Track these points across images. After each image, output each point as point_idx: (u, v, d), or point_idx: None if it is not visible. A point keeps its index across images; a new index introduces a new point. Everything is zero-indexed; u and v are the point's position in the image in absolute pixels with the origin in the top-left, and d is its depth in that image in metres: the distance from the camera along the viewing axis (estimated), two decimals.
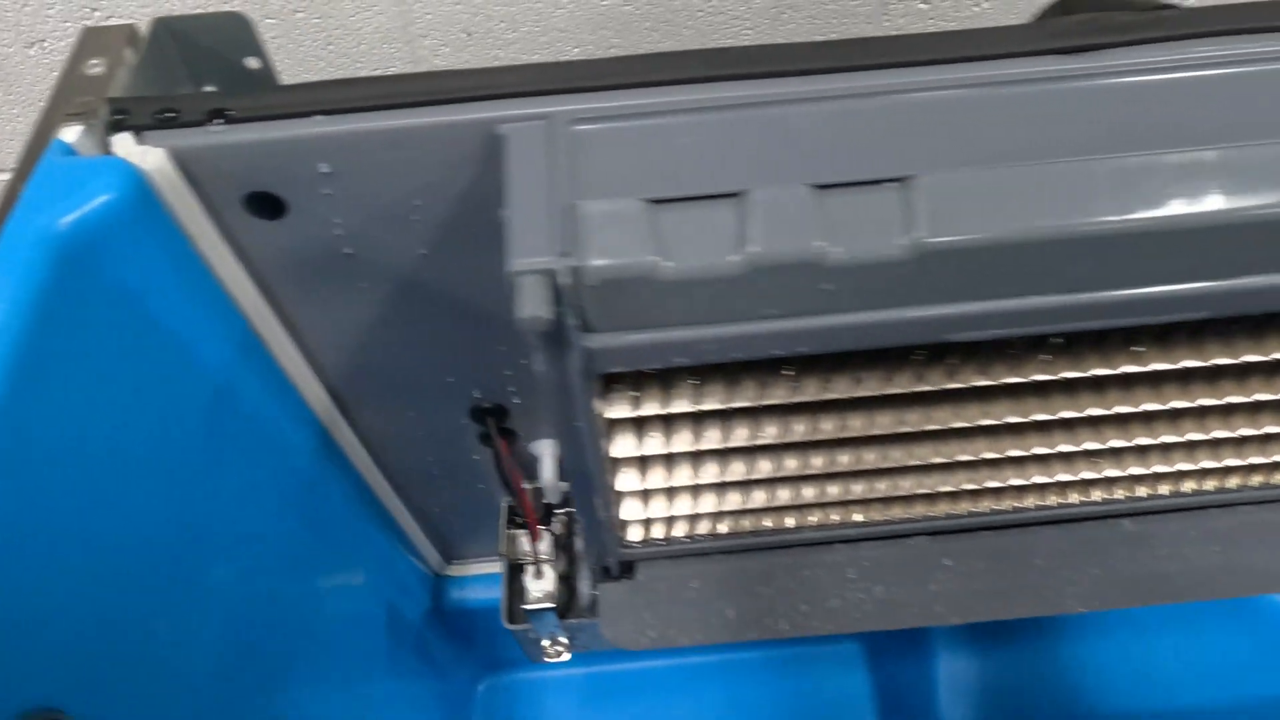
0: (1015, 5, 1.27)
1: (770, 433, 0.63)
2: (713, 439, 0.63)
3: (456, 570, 1.03)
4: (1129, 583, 0.74)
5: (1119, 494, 0.77)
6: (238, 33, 0.52)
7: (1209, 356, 0.58)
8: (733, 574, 0.78)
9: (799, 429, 0.63)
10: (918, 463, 0.68)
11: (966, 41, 0.49)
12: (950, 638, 1.16)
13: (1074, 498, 0.77)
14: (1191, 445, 0.70)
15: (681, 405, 0.59)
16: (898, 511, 0.77)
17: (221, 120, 0.48)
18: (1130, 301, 0.49)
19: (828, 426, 0.63)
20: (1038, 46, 0.48)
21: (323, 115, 0.48)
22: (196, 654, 0.57)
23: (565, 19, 1.23)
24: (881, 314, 0.48)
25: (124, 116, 0.47)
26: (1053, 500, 0.77)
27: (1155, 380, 0.61)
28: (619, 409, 0.57)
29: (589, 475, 0.61)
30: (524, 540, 0.86)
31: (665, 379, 0.58)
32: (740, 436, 0.62)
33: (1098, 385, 0.62)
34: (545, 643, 0.91)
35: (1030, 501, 0.77)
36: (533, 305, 0.41)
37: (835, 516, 0.77)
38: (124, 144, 0.47)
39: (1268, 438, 0.69)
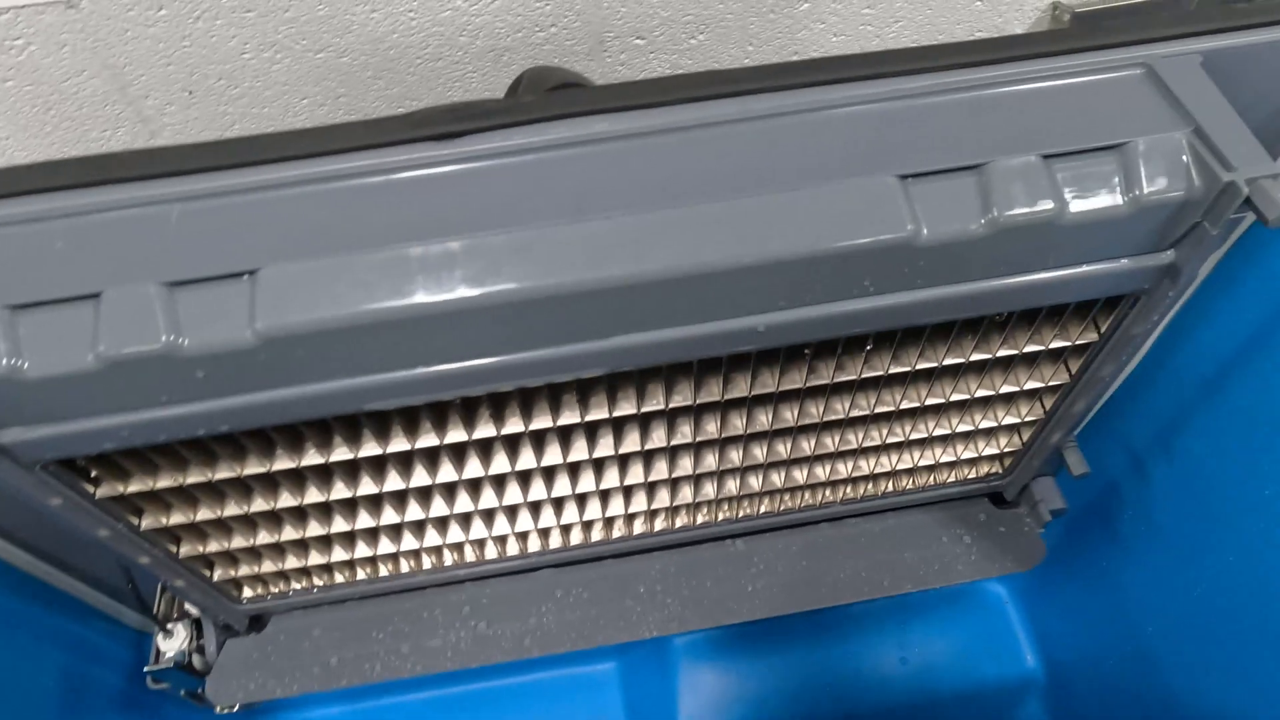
0: (729, 37, 1.32)
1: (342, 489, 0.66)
2: (265, 501, 0.66)
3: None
4: (711, 605, 0.78)
5: (728, 514, 0.81)
6: None
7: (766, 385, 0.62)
8: (355, 620, 0.81)
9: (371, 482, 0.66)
10: (521, 501, 0.72)
11: (337, 135, 0.52)
12: (689, 653, 1.20)
13: (689, 520, 0.81)
14: (788, 462, 0.75)
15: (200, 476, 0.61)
16: (520, 547, 0.81)
17: None
18: (523, 363, 0.53)
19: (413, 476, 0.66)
20: (404, 136, 0.52)
21: None
22: None
23: (284, 73, 1.25)
24: (268, 395, 0.51)
25: None
26: (670, 524, 0.81)
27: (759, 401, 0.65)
28: (107, 488, 0.59)
29: (117, 552, 0.64)
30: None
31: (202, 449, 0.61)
32: (313, 494, 0.65)
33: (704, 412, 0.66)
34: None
35: (646, 527, 0.81)
36: None
37: (457, 557, 0.80)
38: None
39: (852, 452, 0.74)
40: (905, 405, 0.67)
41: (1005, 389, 0.67)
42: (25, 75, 1.22)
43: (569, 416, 0.62)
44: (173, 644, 0.81)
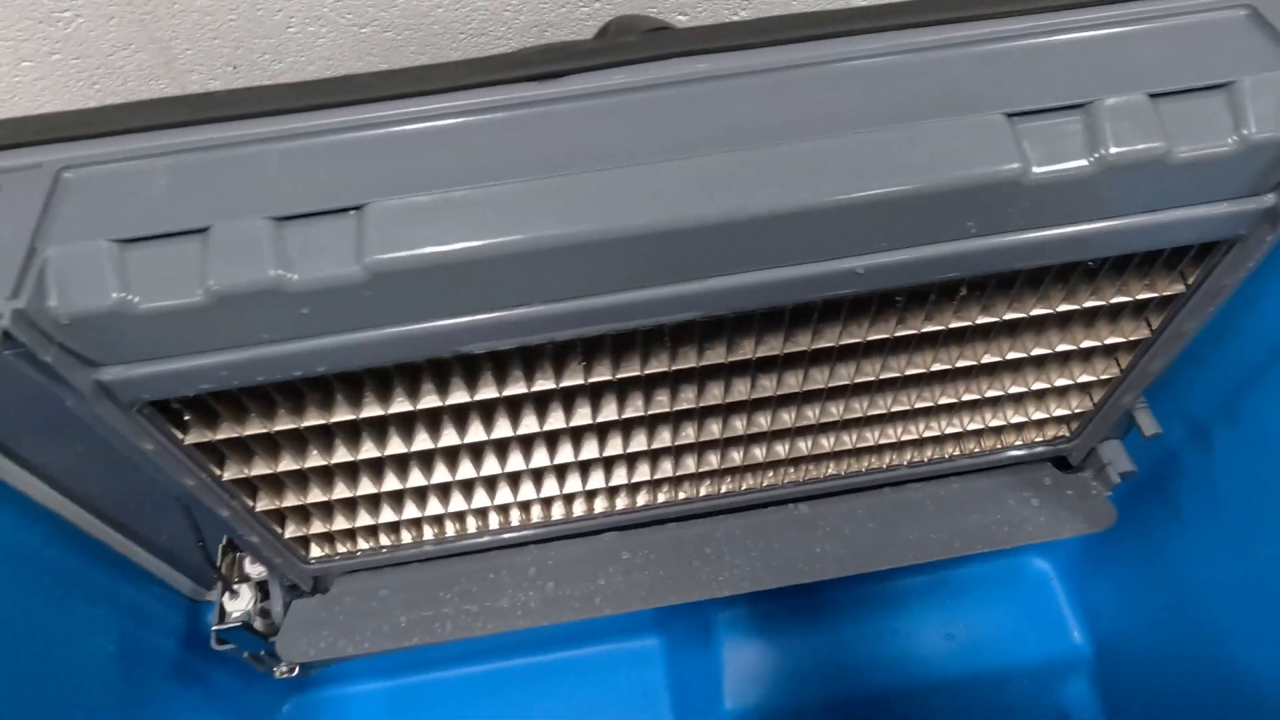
0: (773, 14, 1.31)
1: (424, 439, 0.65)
2: (345, 453, 0.66)
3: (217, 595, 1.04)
4: (780, 565, 0.78)
5: (796, 476, 0.81)
6: None
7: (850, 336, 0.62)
8: (421, 581, 0.81)
9: (452, 434, 0.66)
10: (597, 456, 0.71)
11: (437, 74, 0.52)
12: (732, 628, 1.20)
13: (755, 482, 0.81)
14: (863, 421, 0.74)
15: (286, 423, 0.61)
16: (586, 507, 0.81)
17: None
18: (625, 305, 0.53)
19: (505, 426, 0.66)
20: (504, 76, 0.52)
21: None
22: None
23: (328, 47, 1.25)
24: (368, 334, 0.51)
25: None
26: (736, 486, 0.81)
27: (822, 358, 0.65)
28: (196, 434, 0.59)
29: (199, 503, 0.64)
30: (248, 562, 0.88)
31: (274, 398, 0.60)
32: (394, 445, 0.65)
33: (768, 366, 0.65)
34: (282, 665, 0.94)
35: (712, 489, 0.81)
36: None
37: (524, 516, 0.80)
38: None
39: (926, 411, 0.74)
40: (987, 360, 0.66)
41: (1086, 344, 0.66)
42: (72, 48, 1.22)
43: (654, 366, 0.62)
44: (239, 604, 0.81)
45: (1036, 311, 0.62)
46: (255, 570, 0.86)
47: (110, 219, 0.48)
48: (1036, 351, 0.66)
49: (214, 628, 0.80)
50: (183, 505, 0.78)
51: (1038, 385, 0.71)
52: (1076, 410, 0.77)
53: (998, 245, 0.53)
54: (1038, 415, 0.76)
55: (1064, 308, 0.61)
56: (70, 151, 0.51)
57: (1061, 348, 0.67)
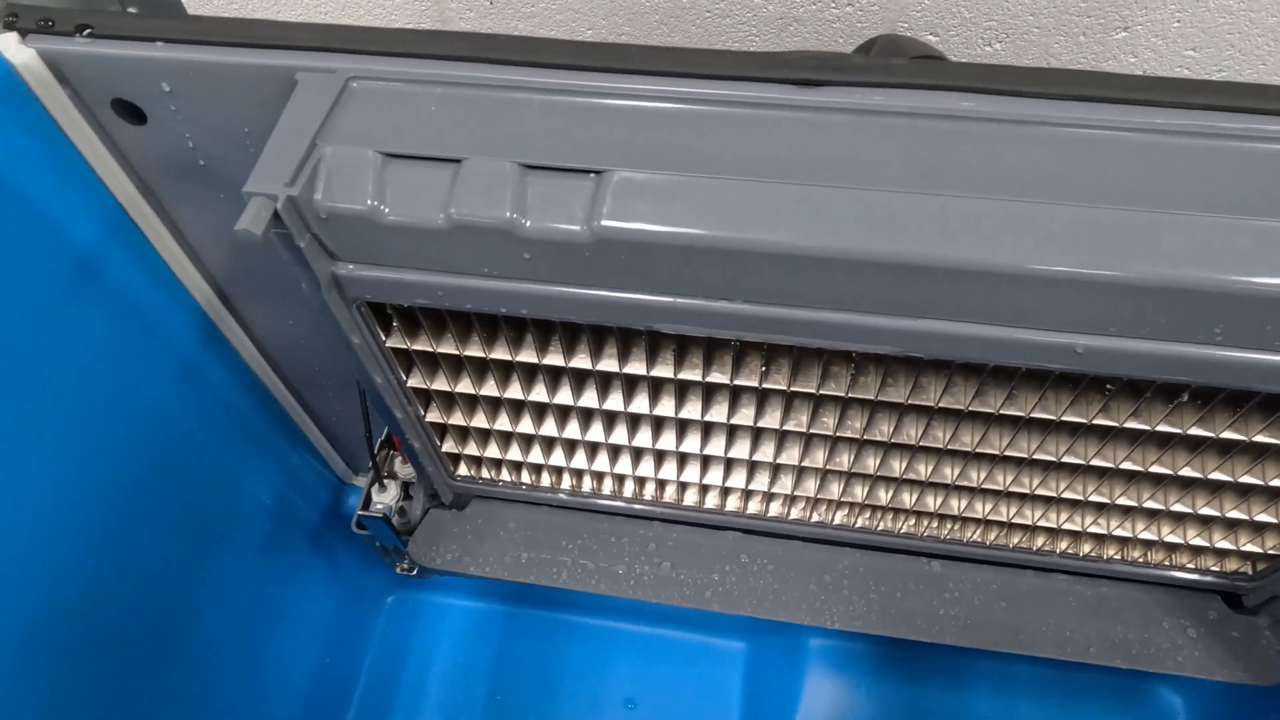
0: (1028, 51, 1.25)
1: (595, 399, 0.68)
2: (524, 391, 0.69)
3: (363, 481, 1.13)
4: (899, 615, 0.76)
5: (936, 531, 0.78)
6: None
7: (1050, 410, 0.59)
8: (548, 525, 0.85)
9: (619, 401, 0.68)
10: (745, 457, 0.72)
11: (701, 59, 0.53)
12: (823, 657, 1.18)
13: (892, 525, 0.79)
14: (1028, 497, 0.71)
15: (481, 351, 0.65)
16: (719, 502, 0.82)
17: (87, 33, 0.58)
18: (823, 324, 0.53)
19: (666, 404, 0.68)
20: (766, 74, 0.52)
21: (163, 42, 0.58)
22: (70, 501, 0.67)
23: (580, 1, 1.30)
24: (575, 290, 0.54)
25: (14, 19, 0.58)
26: (872, 523, 0.80)
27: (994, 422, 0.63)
28: (396, 340, 0.64)
29: (379, 399, 0.69)
30: (399, 462, 0.95)
31: (486, 325, 0.64)
32: (562, 396, 0.68)
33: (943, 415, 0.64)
34: (404, 562, 1.00)
35: (848, 519, 0.80)
36: (249, 222, 0.49)
37: (657, 493, 0.82)
38: (6, 42, 0.58)
39: (1100, 506, 0.70)
40: (1186, 473, 0.61)
41: None
42: None
43: (830, 388, 0.61)
44: (385, 497, 0.87)
45: (1262, 438, 0.56)
46: (404, 471, 0.93)
47: (381, 132, 0.53)
48: (1247, 479, 0.61)
49: (358, 512, 0.87)
50: (362, 396, 0.84)
51: (1234, 513, 0.66)
52: (1270, 550, 0.70)
53: (1242, 361, 0.48)
54: (1222, 544, 0.70)
55: None
56: (361, 63, 0.55)
57: (1276, 481, 0.61)
